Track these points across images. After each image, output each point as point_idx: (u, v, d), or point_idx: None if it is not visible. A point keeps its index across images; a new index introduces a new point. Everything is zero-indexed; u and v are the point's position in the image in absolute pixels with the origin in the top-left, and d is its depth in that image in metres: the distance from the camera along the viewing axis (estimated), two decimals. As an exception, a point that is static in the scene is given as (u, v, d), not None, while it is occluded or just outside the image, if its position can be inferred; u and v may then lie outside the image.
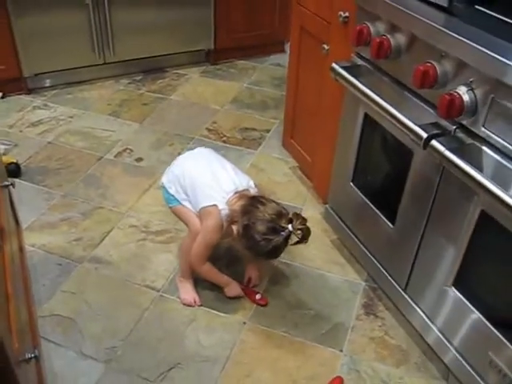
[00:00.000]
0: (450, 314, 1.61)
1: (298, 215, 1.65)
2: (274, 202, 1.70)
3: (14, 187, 1.73)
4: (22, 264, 1.78)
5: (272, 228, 1.61)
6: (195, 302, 1.91)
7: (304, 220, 1.64)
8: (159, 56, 3.51)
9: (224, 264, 2.05)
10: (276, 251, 1.66)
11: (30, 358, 1.22)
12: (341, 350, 1.78)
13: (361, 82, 1.67)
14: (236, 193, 1.75)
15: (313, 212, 2.36)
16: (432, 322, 1.69)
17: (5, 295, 1.18)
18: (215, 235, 1.76)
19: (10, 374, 0.99)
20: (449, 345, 1.62)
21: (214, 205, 1.73)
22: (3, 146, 2.67)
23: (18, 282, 1.52)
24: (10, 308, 1.18)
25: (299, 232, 1.63)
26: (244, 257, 1.94)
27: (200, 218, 1.80)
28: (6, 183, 1.67)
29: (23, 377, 1.10)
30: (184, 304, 1.91)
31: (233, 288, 1.93)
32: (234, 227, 1.70)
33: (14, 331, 1.15)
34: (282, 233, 1.61)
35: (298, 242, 1.66)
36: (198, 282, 1.96)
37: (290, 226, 1.61)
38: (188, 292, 1.93)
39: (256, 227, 1.62)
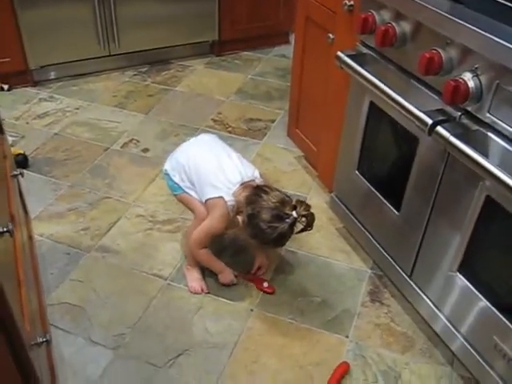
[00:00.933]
0: (456, 300, 1.62)
1: (301, 202, 1.66)
2: (277, 190, 1.71)
3: (22, 177, 1.75)
4: (32, 253, 1.80)
5: (276, 215, 1.63)
6: (202, 289, 1.93)
7: (308, 206, 1.66)
8: (164, 48, 3.51)
9: (229, 254, 2.07)
10: (282, 239, 1.67)
11: (42, 342, 1.25)
12: (347, 336, 1.80)
13: (366, 70, 1.68)
14: (242, 184, 1.76)
15: (318, 201, 2.38)
16: (439, 310, 1.70)
17: (17, 281, 1.20)
18: (220, 225, 1.78)
19: (24, 356, 1.01)
20: (456, 332, 1.64)
21: (220, 196, 1.75)
22: (11, 138, 2.68)
23: (28, 270, 1.55)
24: (21, 293, 1.20)
25: (304, 219, 1.64)
26: (251, 246, 1.96)
27: (206, 208, 1.81)
28: (15, 173, 1.69)
29: (36, 360, 1.12)
30: (191, 291, 1.93)
31: (226, 275, 1.94)
32: (240, 217, 1.71)
33: (26, 315, 1.17)
34: (287, 220, 1.62)
35: (303, 230, 1.68)
36: (205, 270, 1.98)
37: (294, 213, 1.63)
38: (195, 280, 1.95)
39: (261, 215, 1.64)
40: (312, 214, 1.66)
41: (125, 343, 1.74)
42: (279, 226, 1.62)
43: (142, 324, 1.81)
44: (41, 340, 1.23)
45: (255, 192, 1.70)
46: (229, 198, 1.74)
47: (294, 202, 1.66)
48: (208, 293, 1.93)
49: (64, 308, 1.85)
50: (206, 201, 1.79)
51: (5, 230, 1.03)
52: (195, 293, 1.93)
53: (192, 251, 1.90)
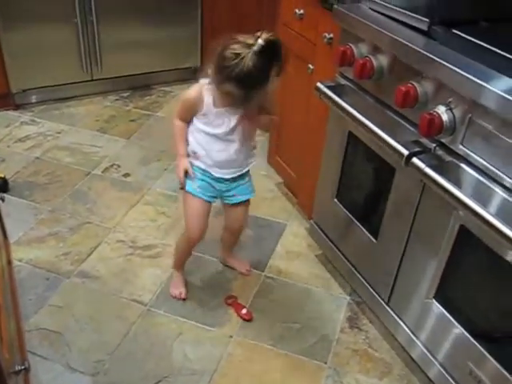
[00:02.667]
0: (433, 327, 1.65)
1: (263, 32, 1.55)
2: None
3: (3, 202, 1.75)
4: (10, 278, 1.79)
5: (242, 44, 1.53)
6: (181, 294, 2.00)
7: (273, 34, 1.55)
8: (147, 73, 3.55)
9: (209, 276, 2.07)
10: (256, 70, 1.52)
11: (20, 370, 1.24)
12: (325, 363, 1.81)
13: (345, 102, 1.73)
14: None
15: (298, 227, 2.41)
16: (416, 336, 1.73)
17: (-4, 308, 1.20)
18: (190, 92, 1.71)
19: (2, 384, 1.00)
20: (432, 358, 1.66)
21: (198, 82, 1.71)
22: (-9, 162, 2.68)
23: (7, 296, 1.54)
24: (0, 320, 1.20)
25: (270, 44, 1.53)
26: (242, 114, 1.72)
27: None
28: (-4, 198, 1.69)
29: (14, 388, 1.11)
30: (171, 296, 2.00)
31: (180, 163, 1.80)
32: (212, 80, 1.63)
33: (5, 342, 1.17)
34: (254, 47, 1.51)
35: (275, 64, 1.56)
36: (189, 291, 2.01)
37: (259, 40, 1.52)
38: (176, 284, 2.02)
39: (226, 48, 1.53)
40: (278, 40, 1.56)
41: (104, 370, 1.74)
42: (247, 53, 1.50)
43: (122, 350, 1.81)
44: (19, 368, 1.22)
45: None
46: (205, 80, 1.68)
47: (256, 34, 1.54)
48: (185, 299, 2.00)
49: (42, 334, 1.84)
50: None
51: (-14, 257, 1.03)
52: (174, 297, 2.00)
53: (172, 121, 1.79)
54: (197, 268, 2.15)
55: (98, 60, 3.30)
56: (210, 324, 1.92)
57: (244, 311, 1.96)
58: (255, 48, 1.51)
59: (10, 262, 1.90)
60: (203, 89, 1.67)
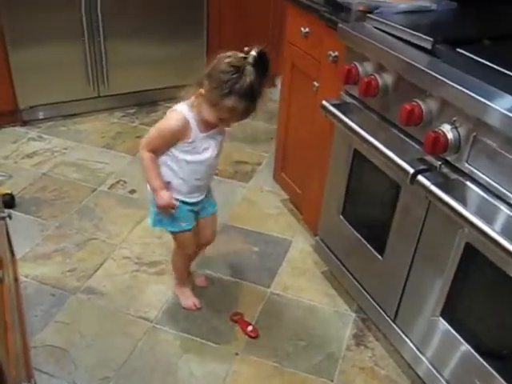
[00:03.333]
0: (439, 344, 1.65)
1: (252, 47, 1.55)
2: None
3: (10, 219, 1.76)
4: (17, 294, 1.79)
5: (236, 58, 1.52)
6: (195, 305, 2.00)
7: (261, 46, 1.55)
8: (153, 90, 3.58)
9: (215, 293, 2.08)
10: (256, 81, 1.52)
11: (27, 388, 1.24)
12: (332, 380, 1.80)
13: (350, 119, 1.74)
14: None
15: (303, 244, 2.41)
16: (422, 353, 1.72)
17: (4, 325, 1.21)
18: (172, 122, 1.62)
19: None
20: (439, 376, 1.65)
21: (175, 109, 1.64)
22: (-1, 178, 2.70)
23: (14, 313, 1.54)
24: (8, 338, 1.21)
25: (263, 55, 1.54)
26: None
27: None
28: (3, 215, 1.70)
29: (21, 406, 1.12)
30: (185, 308, 2.00)
31: (163, 196, 1.67)
32: (201, 101, 1.58)
33: (12, 360, 1.17)
34: (249, 59, 1.51)
35: (263, 75, 1.55)
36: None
37: (252, 52, 1.52)
38: (187, 297, 2.03)
39: (221, 63, 1.52)
40: (267, 52, 1.55)
41: (109, 387, 1.74)
42: (243, 65, 1.50)
43: (127, 367, 1.81)
44: (26, 385, 1.23)
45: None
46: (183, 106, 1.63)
47: (244, 49, 1.55)
48: (200, 308, 2.00)
49: (48, 351, 1.84)
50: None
51: (-5, 276, 1.04)
52: (189, 309, 2.00)
53: (140, 151, 1.67)
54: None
55: (105, 77, 3.33)
56: (216, 341, 1.92)
57: (250, 328, 1.95)
58: (251, 60, 1.51)
59: (16, 279, 1.90)
60: (186, 115, 1.60)
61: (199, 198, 1.78)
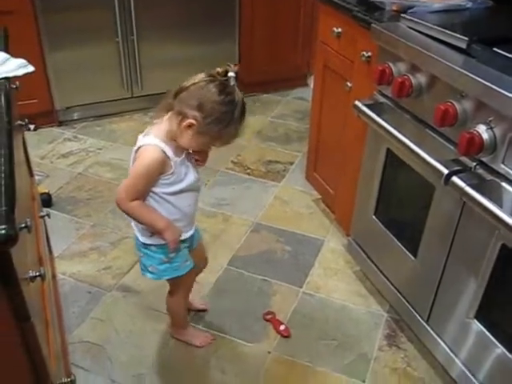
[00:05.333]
0: (473, 346, 1.63)
1: (218, 68, 1.47)
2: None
3: (49, 218, 1.81)
4: (55, 292, 1.84)
5: (222, 85, 1.43)
6: (207, 338, 1.93)
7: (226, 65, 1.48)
8: (185, 90, 3.61)
9: (255, 292, 2.09)
10: (244, 105, 1.49)
11: (66, 383, 1.28)
12: (363, 381, 1.80)
13: (383, 120, 1.73)
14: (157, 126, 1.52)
15: (336, 244, 2.41)
16: (455, 355, 1.71)
17: (45, 322, 1.25)
18: (154, 156, 1.47)
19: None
20: (473, 378, 1.63)
21: (145, 144, 1.49)
22: (36, 177, 2.76)
23: (52, 309, 1.59)
24: (49, 334, 1.24)
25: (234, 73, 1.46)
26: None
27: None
28: (42, 214, 1.75)
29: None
30: (202, 346, 1.90)
31: (174, 231, 1.58)
32: (185, 131, 1.46)
33: (52, 355, 1.21)
34: (231, 81, 1.44)
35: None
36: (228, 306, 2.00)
37: (230, 73, 1.45)
38: (197, 335, 1.93)
39: (210, 97, 1.43)
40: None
41: (144, 383, 1.77)
42: (232, 90, 1.44)
43: (161, 364, 1.84)
44: (66, 380, 1.26)
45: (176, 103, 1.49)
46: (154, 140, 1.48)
47: (218, 69, 1.46)
48: (214, 339, 1.93)
49: (85, 347, 1.89)
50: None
51: (37, 274, 1.07)
52: (203, 346, 1.90)
53: (121, 208, 1.56)
54: (236, 284, 2.17)
55: (139, 77, 3.39)
56: (248, 339, 1.94)
57: (282, 327, 1.97)
58: (232, 81, 1.44)
59: (54, 276, 1.96)
60: (163, 148, 1.47)
61: (191, 232, 1.69)
